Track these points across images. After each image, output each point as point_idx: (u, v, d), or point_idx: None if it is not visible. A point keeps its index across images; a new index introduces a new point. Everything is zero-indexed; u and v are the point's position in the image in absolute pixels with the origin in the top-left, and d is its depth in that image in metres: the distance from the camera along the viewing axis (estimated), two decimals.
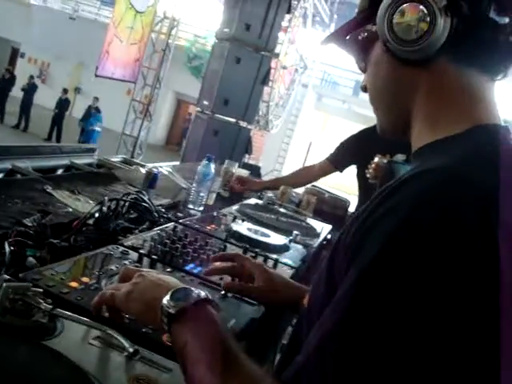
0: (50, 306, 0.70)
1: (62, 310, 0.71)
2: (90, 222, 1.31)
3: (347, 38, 0.72)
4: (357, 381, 0.48)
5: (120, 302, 0.72)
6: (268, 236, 1.58)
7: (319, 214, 2.46)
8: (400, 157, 2.17)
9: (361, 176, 2.44)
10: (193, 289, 0.67)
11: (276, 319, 1.13)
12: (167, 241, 1.25)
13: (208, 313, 0.64)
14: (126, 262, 1.07)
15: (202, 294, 0.66)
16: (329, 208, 2.65)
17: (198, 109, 6.22)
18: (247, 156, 7.36)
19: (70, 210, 1.50)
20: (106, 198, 1.41)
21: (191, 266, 1.17)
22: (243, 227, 1.60)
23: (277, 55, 7.36)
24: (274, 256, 1.38)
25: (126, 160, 3.09)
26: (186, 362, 0.59)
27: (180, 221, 1.54)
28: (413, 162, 0.66)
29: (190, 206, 1.88)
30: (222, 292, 1.02)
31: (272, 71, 7.66)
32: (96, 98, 12.19)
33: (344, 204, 2.73)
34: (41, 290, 0.73)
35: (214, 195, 2.12)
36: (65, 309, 0.72)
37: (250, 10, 5.75)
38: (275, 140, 13.56)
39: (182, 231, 1.39)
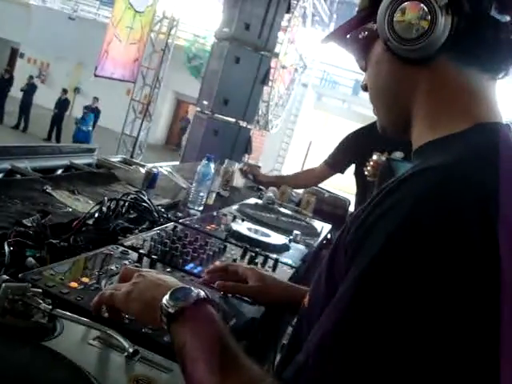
0: (50, 307, 0.70)
1: (61, 310, 0.71)
2: (90, 222, 1.30)
3: (348, 36, 0.72)
4: (357, 381, 0.48)
5: (120, 302, 0.72)
6: (268, 236, 1.58)
7: (319, 214, 2.46)
8: (398, 154, 2.16)
9: (359, 174, 2.43)
10: (192, 288, 0.67)
11: (276, 319, 1.13)
12: (167, 241, 1.24)
13: (208, 312, 0.64)
14: (126, 261, 1.07)
15: (202, 293, 0.66)
16: (328, 207, 2.65)
17: (198, 109, 6.22)
18: (247, 156, 7.34)
19: (70, 210, 1.50)
20: (106, 198, 1.41)
21: (191, 265, 1.17)
22: (243, 227, 1.60)
23: (276, 55, 7.34)
24: (274, 256, 1.38)
25: (126, 160, 3.09)
26: (186, 362, 0.59)
27: (180, 221, 1.54)
28: (413, 160, 0.66)
29: (190, 206, 1.87)
30: (222, 292, 1.02)
31: (272, 71, 7.66)
32: (96, 98, 12.18)
33: (344, 203, 2.73)
34: (40, 291, 0.72)
35: (214, 195, 2.11)
36: (64, 309, 0.72)
37: (249, 9, 5.74)
38: (275, 140, 13.55)
39: (182, 231, 1.39)
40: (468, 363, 0.47)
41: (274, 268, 1.30)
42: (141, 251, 1.14)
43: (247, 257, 1.33)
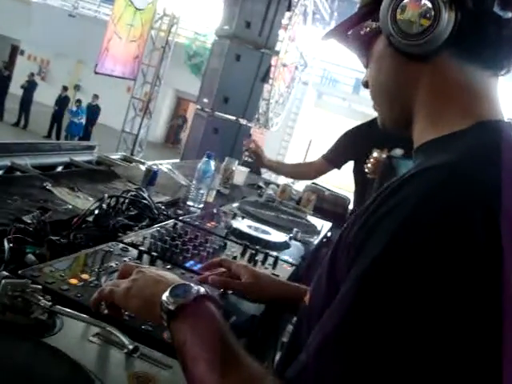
0: (50, 303, 0.70)
1: (61, 306, 0.71)
2: (90, 219, 1.30)
3: (349, 33, 0.71)
4: (358, 382, 0.47)
5: (119, 298, 0.72)
6: (268, 233, 1.58)
7: (319, 212, 2.46)
8: (398, 151, 2.14)
9: (358, 171, 2.42)
10: (192, 285, 0.66)
11: (276, 317, 1.13)
12: (167, 238, 1.24)
13: (208, 309, 0.64)
14: (126, 258, 1.07)
15: (202, 290, 0.66)
16: (329, 205, 2.65)
17: (198, 106, 6.21)
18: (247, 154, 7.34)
19: (70, 207, 1.49)
20: (106, 195, 1.41)
21: (191, 262, 1.16)
22: (243, 224, 1.59)
23: (277, 53, 7.34)
24: (275, 253, 1.38)
25: (126, 157, 3.08)
26: (186, 359, 0.59)
27: (180, 218, 1.54)
28: (415, 157, 0.65)
29: (190, 203, 1.87)
30: (222, 289, 1.02)
31: (272, 69, 7.65)
32: (96, 96, 12.18)
33: (344, 201, 2.72)
34: (40, 287, 0.72)
35: (214, 192, 2.11)
36: (64, 306, 0.72)
37: (250, 7, 5.73)
38: (275, 138, 13.54)
39: (182, 228, 1.39)
40: (470, 364, 0.47)
41: (274, 265, 1.30)
42: (141, 248, 1.13)
43: (247, 254, 1.33)
